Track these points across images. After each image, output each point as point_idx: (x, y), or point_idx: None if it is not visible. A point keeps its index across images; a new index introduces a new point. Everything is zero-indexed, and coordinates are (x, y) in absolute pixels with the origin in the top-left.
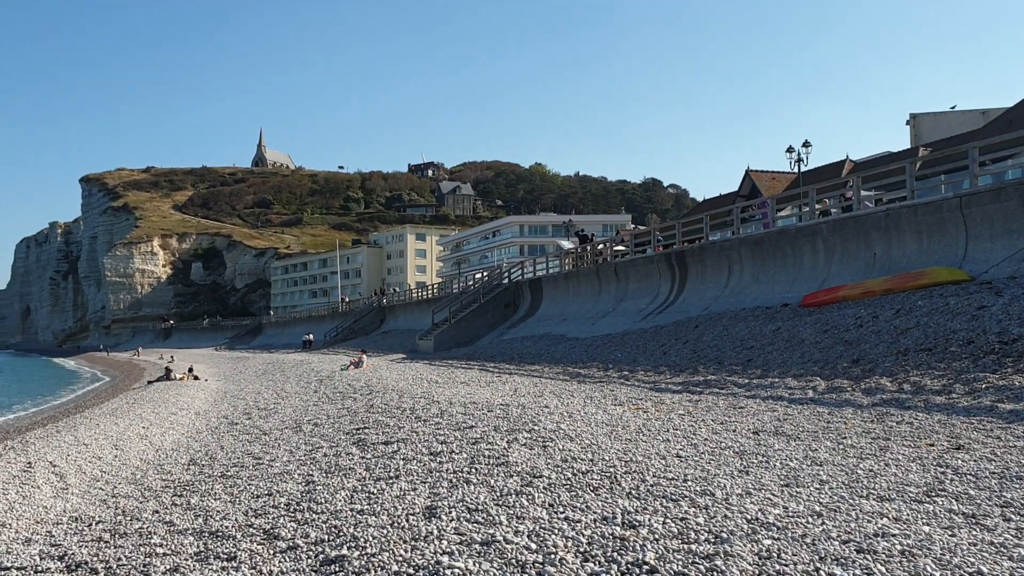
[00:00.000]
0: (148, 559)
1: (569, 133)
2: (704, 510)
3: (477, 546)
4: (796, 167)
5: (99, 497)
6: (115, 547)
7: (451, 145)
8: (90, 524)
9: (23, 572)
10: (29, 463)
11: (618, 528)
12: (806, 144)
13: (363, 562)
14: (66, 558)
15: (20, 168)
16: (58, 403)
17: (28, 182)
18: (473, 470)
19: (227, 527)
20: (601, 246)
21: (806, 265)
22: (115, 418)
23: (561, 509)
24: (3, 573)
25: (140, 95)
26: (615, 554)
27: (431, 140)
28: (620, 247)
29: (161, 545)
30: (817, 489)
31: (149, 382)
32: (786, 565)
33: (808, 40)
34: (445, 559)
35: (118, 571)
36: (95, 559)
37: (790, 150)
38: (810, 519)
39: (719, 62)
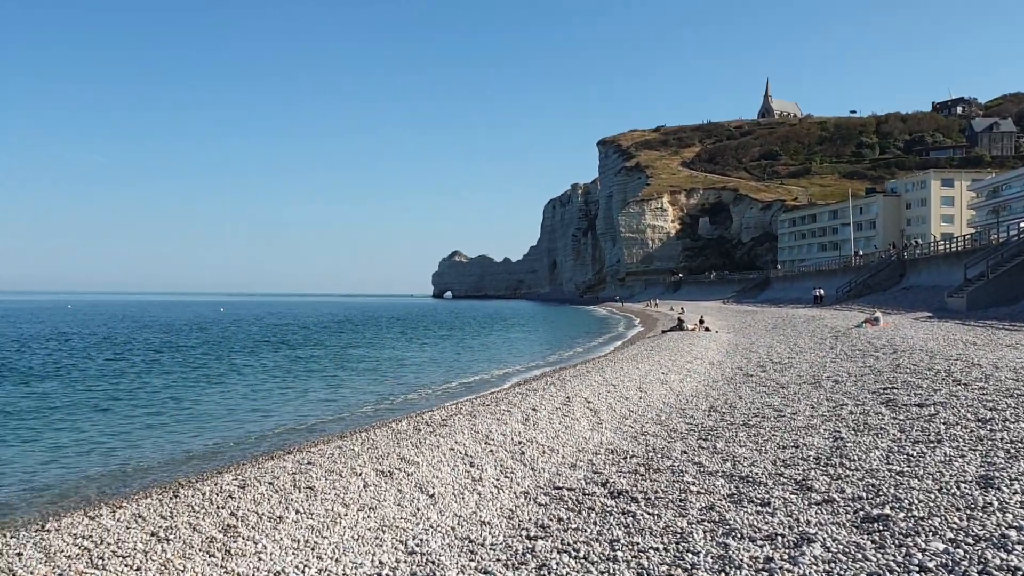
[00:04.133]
0: (684, 495)
1: None
2: None
3: None
4: None
5: (629, 434)
6: (650, 480)
7: (985, 77)
8: (625, 457)
9: (573, 493)
10: (567, 398)
11: None
12: None
13: (910, 524)
14: (608, 485)
15: (549, 136)
16: (591, 345)
17: (554, 150)
18: None
19: (756, 473)
20: None
21: None
22: (636, 363)
23: None
24: (557, 492)
25: (651, 57)
26: None
27: (961, 74)
28: None
29: (694, 484)
30: None
31: (663, 331)
32: None
33: None
34: (1012, 533)
35: (656, 502)
36: (634, 489)
37: None
38: None
39: None
